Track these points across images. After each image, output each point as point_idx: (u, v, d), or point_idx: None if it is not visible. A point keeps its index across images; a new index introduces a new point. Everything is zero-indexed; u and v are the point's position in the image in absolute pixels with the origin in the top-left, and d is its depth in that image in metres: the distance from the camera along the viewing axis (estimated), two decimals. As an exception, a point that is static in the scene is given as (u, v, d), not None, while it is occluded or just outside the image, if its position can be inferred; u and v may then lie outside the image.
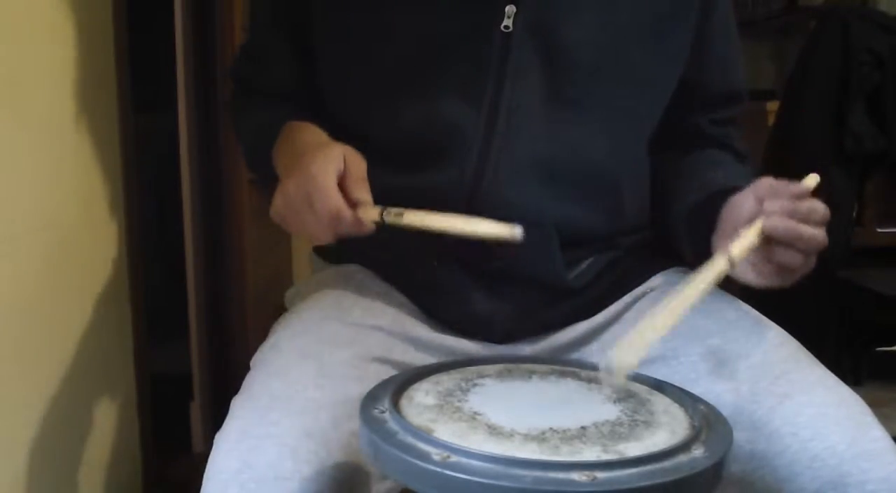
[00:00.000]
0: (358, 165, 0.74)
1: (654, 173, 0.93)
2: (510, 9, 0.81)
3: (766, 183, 0.73)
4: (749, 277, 0.74)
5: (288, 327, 0.82)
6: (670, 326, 0.66)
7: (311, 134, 0.83)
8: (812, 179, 0.74)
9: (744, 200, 0.74)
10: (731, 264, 0.69)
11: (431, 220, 0.73)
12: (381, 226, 0.74)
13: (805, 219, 0.70)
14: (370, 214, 0.73)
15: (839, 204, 2.06)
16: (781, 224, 0.69)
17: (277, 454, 0.65)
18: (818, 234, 0.70)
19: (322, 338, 0.78)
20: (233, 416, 0.71)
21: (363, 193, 0.72)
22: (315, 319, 0.82)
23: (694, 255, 0.83)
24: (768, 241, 0.70)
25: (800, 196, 0.71)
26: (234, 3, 1.66)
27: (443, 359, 0.82)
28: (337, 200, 0.71)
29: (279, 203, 0.75)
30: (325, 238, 0.74)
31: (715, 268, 0.69)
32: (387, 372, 0.76)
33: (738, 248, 0.70)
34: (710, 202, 0.80)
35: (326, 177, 0.71)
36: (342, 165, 0.73)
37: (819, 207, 0.70)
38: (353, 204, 0.72)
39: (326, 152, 0.74)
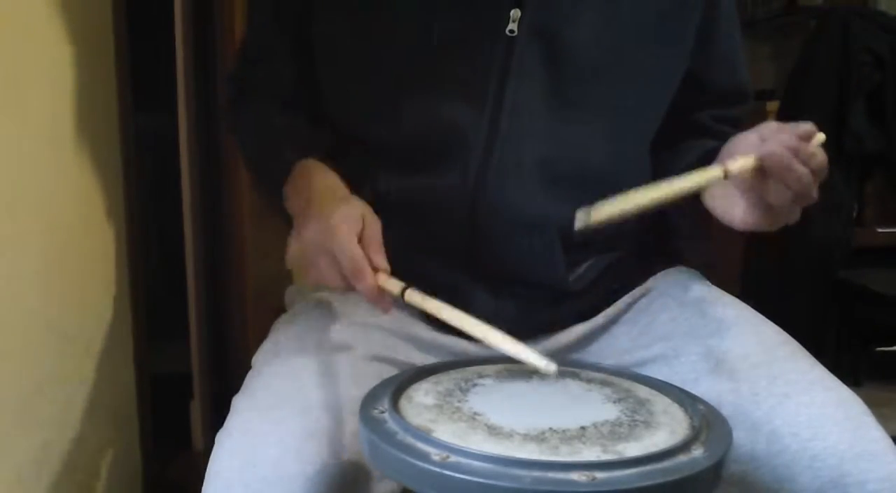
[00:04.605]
0: (376, 228, 0.73)
1: (654, 171, 0.92)
2: (515, 13, 0.81)
3: (773, 123, 0.73)
4: (733, 211, 0.74)
5: (289, 326, 0.82)
6: (648, 201, 0.67)
7: (328, 180, 0.81)
8: (819, 135, 0.73)
9: (745, 136, 0.74)
10: (725, 173, 0.69)
11: (455, 317, 0.69)
12: (398, 302, 0.72)
13: (803, 159, 0.69)
14: (392, 286, 0.70)
15: (839, 204, 2.06)
16: (778, 152, 0.69)
17: (280, 453, 0.65)
18: (808, 175, 0.69)
19: (323, 337, 0.78)
20: (235, 415, 0.71)
21: (382, 260, 0.71)
22: (316, 318, 0.82)
23: (694, 253, 0.83)
24: (761, 175, 0.70)
25: (805, 137, 0.70)
26: (234, 3, 1.66)
27: (444, 359, 0.82)
28: (361, 259, 0.69)
29: (296, 251, 0.74)
30: (339, 289, 0.72)
31: (708, 172, 0.70)
32: (388, 372, 0.76)
33: (733, 163, 0.70)
34: (705, 158, 0.80)
35: (347, 233, 0.70)
36: (361, 224, 0.72)
37: (820, 155, 0.70)
38: (374, 269, 0.70)
39: (347, 208, 0.73)
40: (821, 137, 0.73)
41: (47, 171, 1.10)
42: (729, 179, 0.70)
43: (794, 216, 0.72)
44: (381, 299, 0.71)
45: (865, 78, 2.09)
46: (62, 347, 1.15)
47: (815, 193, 0.70)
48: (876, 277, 2.22)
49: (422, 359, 0.82)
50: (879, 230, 2.24)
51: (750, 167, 0.70)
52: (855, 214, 2.20)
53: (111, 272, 1.29)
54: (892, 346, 2.38)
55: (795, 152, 0.69)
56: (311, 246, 0.72)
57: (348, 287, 0.71)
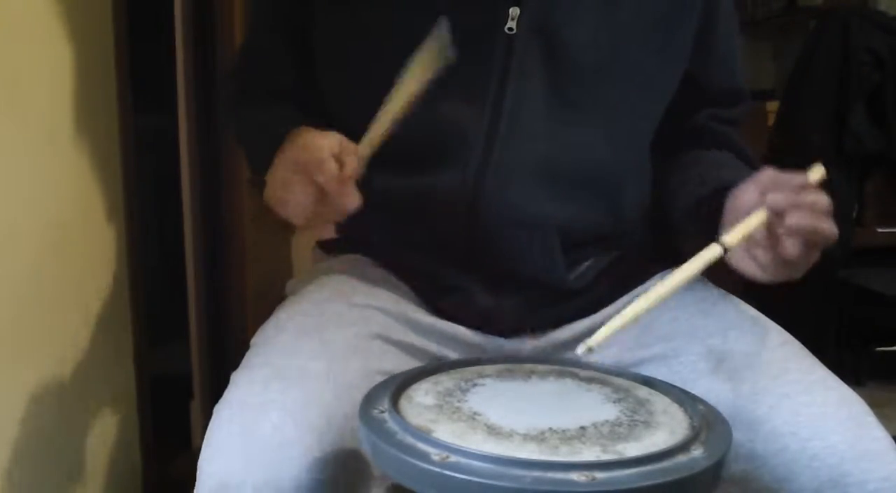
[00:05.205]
0: (353, 147, 0.74)
1: (655, 173, 0.92)
2: (514, 10, 0.81)
3: (768, 174, 0.72)
4: (751, 269, 0.73)
5: (289, 308, 0.82)
6: (646, 309, 0.66)
7: (309, 126, 0.82)
8: (817, 172, 0.73)
9: (745, 192, 0.73)
10: (724, 250, 0.69)
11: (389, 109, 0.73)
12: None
13: (809, 210, 0.68)
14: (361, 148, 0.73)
15: (839, 204, 2.05)
16: (790, 217, 0.67)
17: (280, 420, 0.65)
18: (825, 225, 0.68)
19: (323, 318, 0.78)
20: (233, 387, 0.71)
21: (354, 161, 0.72)
22: (317, 300, 0.82)
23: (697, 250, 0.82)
24: (772, 232, 0.69)
25: (803, 188, 0.70)
26: (234, 4, 1.66)
27: (442, 344, 0.83)
28: (324, 153, 0.71)
29: (270, 180, 0.76)
30: (306, 202, 0.73)
31: (704, 255, 0.69)
32: (388, 349, 0.77)
33: (732, 235, 0.69)
34: (715, 197, 0.80)
35: (320, 145, 0.72)
36: (337, 147, 0.73)
37: (822, 200, 0.69)
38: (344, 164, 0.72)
39: (324, 133, 0.75)
40: (819, 170, 0.72)
41: (47, 171, 1.10)
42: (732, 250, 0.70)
43: (815, 258, 0.71)
44: (345, 188, 0.72)
45: (865, 78, 2.09)
46: (62, 347, 1.15)
47: (832, 232, 0.68)
48: (876, 277, 2.22)
49: (419, 342, 0.82)
50: (879, 230, 2.24)
51: (749, 234, 0.69)
52: (855, 214, 2.21)
53: (111, 272, 1.29)
54: (892, 346, 2.38)
55: (798, 205, 0.68)
56: (287, 163, 0.73)
57: (317, 202, 0.72)
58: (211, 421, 0.68)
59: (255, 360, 0.74)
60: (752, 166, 0.91)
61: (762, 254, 0.71)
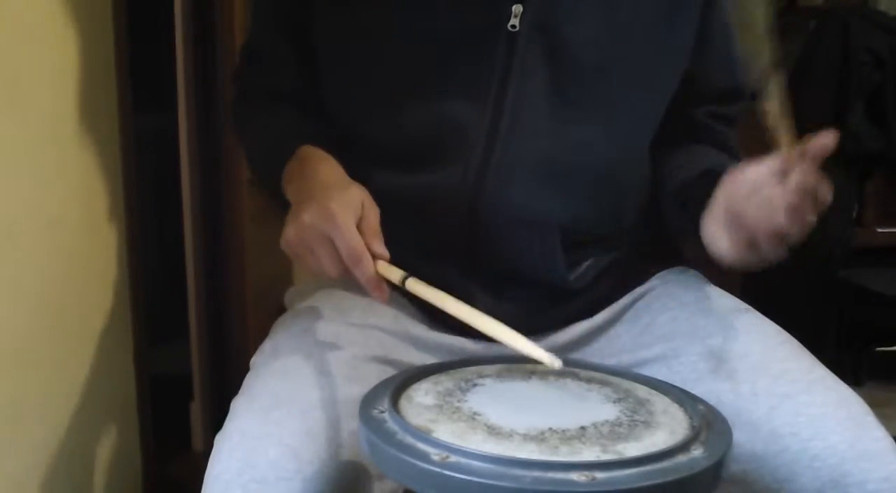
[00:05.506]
0: (375, 215, 0.73)
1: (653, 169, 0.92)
2: (517, 8, 0.81)
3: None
4: (718, 244, 0.73)
5: (288, 327, 0.82)
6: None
7: (329, 167, 0.81)
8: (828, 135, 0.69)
9: (759, 164, 0.70)
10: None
11: (457, 308, 0.69)
12: (397, 288, 0.72)
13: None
14: (392, 274, 0.70)
15: (839, 204, 2.06)
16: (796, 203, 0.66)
17: (279, 454, 0.65)
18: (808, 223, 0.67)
19: (322, 339, 0.78)
20: (233, 417, 0.71)
21: (381, 247, 0.71)
22: (315, 319, 0.82)
23: (680, 228, 0.83)
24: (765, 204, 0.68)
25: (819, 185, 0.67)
26: (234, 4, 1.66)
27: (443, 359, 0.82)
28: (359, 245, 0.69)
29: (292, 235, 0.73)
30: (335, 275, 0.72)
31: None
32: (387, 372, 0.76)
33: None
34: (700, 181, 0.80)
35: (347, 218, 0.70)
36: (360, 211, 0.72)
37: (828, 196, 0.68)
38: (372, 256, 0.70)
39: (346, 194, 0.73)
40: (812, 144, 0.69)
41: (48, 171, 1.10)
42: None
43: (782, 254, 0.70)
44: (379, 287, 0.71)
45: (865, 78, 2.09)
46: (62, 347, 1.15)
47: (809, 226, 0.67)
48: (876, 277, 2.22)
49: (421, 359, 0.82)
50: (879, 230, 2.24)
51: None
52: (855, 214, 2.21)
53: (111, 272, 1.29)
54: (892, 346, 2.38)
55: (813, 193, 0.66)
56: (309, 231, 0.71)
57: (345, 274, 0.71)
58: (212, 454, 0.69)
59: (255, 386, 0.74)
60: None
61: (735, 232, 0.70)
